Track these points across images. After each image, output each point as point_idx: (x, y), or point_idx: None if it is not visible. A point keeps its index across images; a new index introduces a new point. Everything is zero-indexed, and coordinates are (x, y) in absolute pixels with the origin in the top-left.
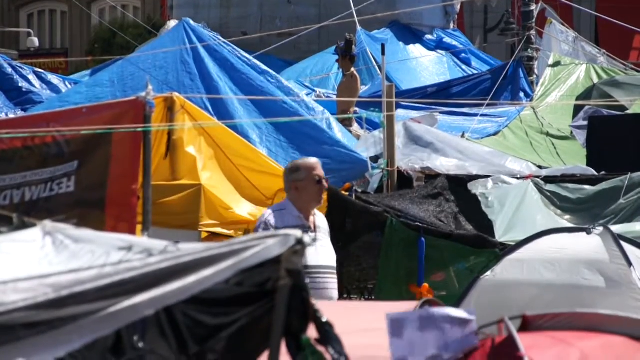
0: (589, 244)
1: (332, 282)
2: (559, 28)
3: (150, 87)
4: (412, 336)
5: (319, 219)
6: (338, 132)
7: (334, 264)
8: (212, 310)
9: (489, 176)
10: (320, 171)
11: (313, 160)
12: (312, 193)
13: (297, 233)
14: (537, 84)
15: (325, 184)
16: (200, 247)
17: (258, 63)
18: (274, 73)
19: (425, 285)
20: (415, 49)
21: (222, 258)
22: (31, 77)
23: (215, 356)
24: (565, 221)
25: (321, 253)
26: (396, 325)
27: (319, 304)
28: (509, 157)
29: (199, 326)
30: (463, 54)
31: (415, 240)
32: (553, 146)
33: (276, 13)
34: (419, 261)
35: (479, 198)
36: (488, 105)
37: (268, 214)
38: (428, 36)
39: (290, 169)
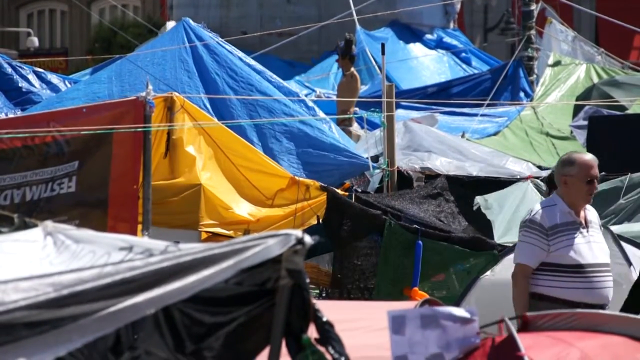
0: None
1: (608, 280)
2: (559, 28)
3: (150, 87)
4: (413, 334)
5: (591, 213)
6: (336, 132)
7: (609, 260)
8: (211, 309)
9: (489, 177)
10: (595, 171)
11: (589, 157)
12: (580, 191)
13: (298, 233)
14: (537, 83)
15: (596, 185)
16: (201, 247)
17: (255, 63)
18: (271, 73)
19: (416, 289)
20: (416, 48)
21: (223, 258)
22: (31, 76)
23: (212, 353)
24: None
25: (595, 250)
26: (397, 323)
27: (319, 304)
28: (509, 158)
29: (196, 324)
30: (463, 54)
31: (414, 242)
32: (553, 146)
33: (276, 13)
34: (415, 264)
35: (478, 201)
36: (488, 105)
37: (536, 211)
38: (428, 36)
39: (564, 161)
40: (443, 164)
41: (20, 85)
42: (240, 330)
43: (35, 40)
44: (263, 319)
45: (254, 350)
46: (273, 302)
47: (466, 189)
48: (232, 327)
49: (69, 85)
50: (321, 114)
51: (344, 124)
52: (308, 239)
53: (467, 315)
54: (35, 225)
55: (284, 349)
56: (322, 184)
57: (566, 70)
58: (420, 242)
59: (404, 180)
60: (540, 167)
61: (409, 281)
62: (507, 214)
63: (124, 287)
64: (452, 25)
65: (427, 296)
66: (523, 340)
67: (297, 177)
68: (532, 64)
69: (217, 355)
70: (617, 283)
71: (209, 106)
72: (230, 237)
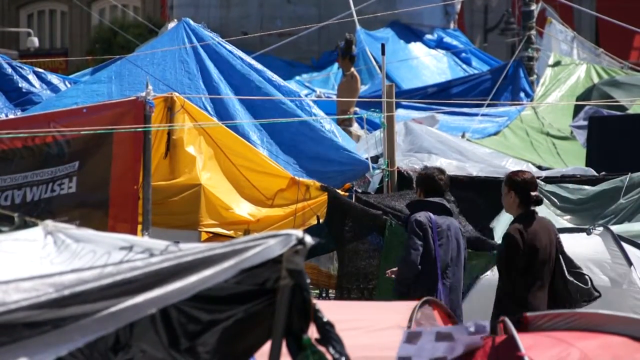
0: (589, 244)
1: None
2: (559, 28)
3: (150, 87)
4: (425, 344)
5: None
6: (336, 132)
7: None
8: (208, 306)
9: (489, 178)
10: None
11: None
12: None
13: (299, 233)
14: (537, 83)
15: None
16: (202, 247)
17: (256, 63)
18: (271, 73)
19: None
20: (416, 49)
21: (224, 258)
22: (31, 77)
23: (207, 349)
24: (565, 221)
25: None
26: (412, 336)
27: (319, 304)
28: (509, 159)
29: (193, 322)
30: (463, 54)
31: None
32: (553, 146)
33: (276, 13)
34: None
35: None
36: (488, 105)
37: None
38: (428, 36)
39: None
40: (443, 165)
41: (20, 85)
42: (237, 327)
43: (35, 41)
44: (261, 316)
45: (250, 348)
46: (271, 301)
47: (467, 190)
48: (229, 324)
49: (69, 86)
50: (322, 115)
51: (344, 124)
52: (309, 239)
53: (480, 329)
54: (35, 225)
55: (284, 349)
56: (322, 184)
57: (566, 71)
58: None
59: (404, 181)
60: (540, 167)
61: None
62: (507, 214)
63: (125, 287)
64: (452, 25)
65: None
66: (523, 341)
67: (297, 178)
68: (532, 64)
69: (212, 351)
70: (617, 283)
71: (208, 107)
72: (230, 237)
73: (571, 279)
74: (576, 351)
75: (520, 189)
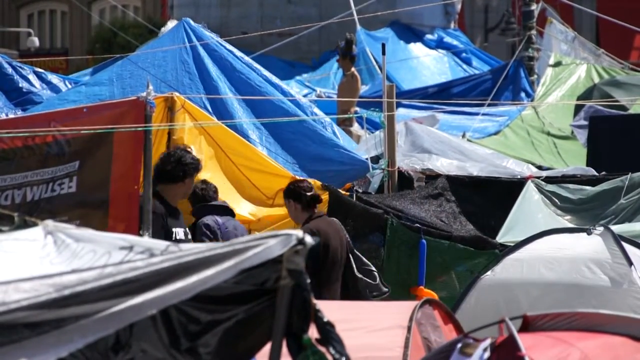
0: (590, 244)
1: None
2: (559, 28)
3: (150, 87)
4: None
5: None
6: (337, 132)
7: None
8: (208, 306)
9: (490, 177)
10: None
11: None
12: None
13: (299, 233)
14: (538, 83)
15: None
16: (202, 247)
17: (255, 63)
18: (271, 75)
19: (421, 287)
20: (416, 49)
21: (224, 258)
22: (31, 77)
23: (208, 350)
24: (565, 221)
25: None
26: None
27: (320, 304)
28: (509, 160)
29: (193, 322)
30: (464, 54)
31: (417, 242)
32: (554, 145)
33: (276, 13)
34: (420, 262)
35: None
36: (489, 105)
37: None
38: (429, 36)
39: None
40: (444, 165)
41: (20, 85)
42: (238, 328)
43: (35, 41)
44: (261, 317)
45: (251, 348)
46: (272, 301)
47: (467, 189)
48: (230, 324)
49: (69, 86)
50: (322, 115)
51: (344, 124)
52: (309, 239)
53: None
54: (35, 224)
55: (284, 349)
56: (323, 183)
57: (567, 70)
58: (424, 240)
59: (404, 181)
60: (540, 167)
61: (413, 281)
62: (509, 215)
63: (126, 287)
64: (452, 25)
65: (432, 295)
66: (524, 341)
67: (298, 177)
68: (533, 64)
69: (213, 351)
70: (617, 283)
71: (208, 107)
72: None
73: (360, 276)
74: (576, 351)
75: (297, 195)
